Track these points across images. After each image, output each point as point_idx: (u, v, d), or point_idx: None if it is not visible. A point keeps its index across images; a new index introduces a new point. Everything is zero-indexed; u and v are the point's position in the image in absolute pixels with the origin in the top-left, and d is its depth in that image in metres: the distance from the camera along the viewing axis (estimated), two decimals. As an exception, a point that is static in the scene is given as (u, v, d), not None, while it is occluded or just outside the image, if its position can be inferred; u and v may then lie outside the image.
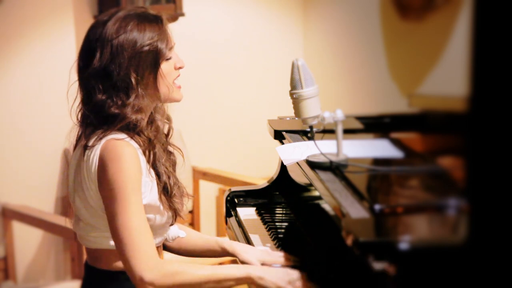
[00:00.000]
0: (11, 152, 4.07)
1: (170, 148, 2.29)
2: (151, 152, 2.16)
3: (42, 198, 4.15)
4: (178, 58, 2.21)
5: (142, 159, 2.13)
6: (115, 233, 2.05)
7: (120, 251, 2.05)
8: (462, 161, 1.70)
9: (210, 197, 4.74)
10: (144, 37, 2.12)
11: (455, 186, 1.76)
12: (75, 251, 3.83)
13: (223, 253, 2.35)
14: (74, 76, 2.19)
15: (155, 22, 2.16)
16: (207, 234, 2.50)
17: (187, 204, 2.34)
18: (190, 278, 2.05)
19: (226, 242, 2.36)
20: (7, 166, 4.06)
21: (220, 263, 4.52)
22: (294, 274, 2.13)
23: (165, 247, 2.39)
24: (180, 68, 2.21)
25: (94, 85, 2.12)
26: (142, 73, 2.12)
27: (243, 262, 2.28)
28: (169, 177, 2.20)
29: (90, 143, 2.11)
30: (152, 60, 2.13)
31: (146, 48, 2.12)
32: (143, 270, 2.02)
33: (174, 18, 4.39)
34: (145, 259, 2.03)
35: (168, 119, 2.29)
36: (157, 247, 2.23)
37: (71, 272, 4.04)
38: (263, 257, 2.28)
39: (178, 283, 2.04)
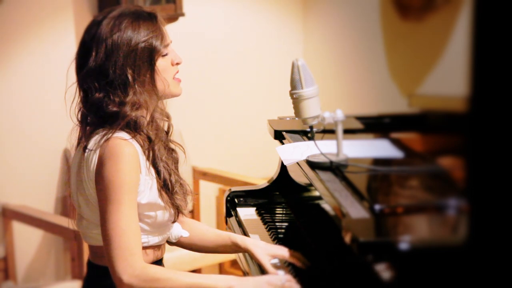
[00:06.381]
0: (11, 152, 4.06)
1: (172, 146, 2.30)
2: (151, 151, 2.16)
3: (42, 198, 4.15)
4: (175, 54, 2.21)
5: (142, 158, 2.13)
6: (104, 231, 2.08)
7: (106, 248, 2.07)
8: (462, 161, 1.70)
9: (210, 197, 4.73)
10: (138, 35, 2.13)
11: (455, 186, 1.76)
12: (75, 251, 3.83)
13: (235, 248, 2.34)
14: (72, 78, 2.20)
15: (150, 19, 2.17)
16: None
17: (190, 202, 2.34)
18: (170, 285, 2.06)
19: (238, 237, 2.35)
20: (7, 166, 4.06)
21: (220, 264, 4.52)
22: (278, 281, 2.12)
23: (178, 244, 2.38)
24: (177, 64, 2.21)
25: (90, 84, 2.13)
26: (138, 70, 2.13)
27: (254, 257, 2.28)
28: (170, 174, 2.20)
29: (91, 144, 2.11)
30: (147, 57, 2.14)
31: (141, 45, 2.13)
32: (124, 272, 2.04)
33: (174, 18, 4.38)
34: (129, 261, 2.04)
35: (168, 116, 2.29)
36: (159, 245, 2.24)
37: (71, 272, 4.04)
38: (273, 251, 2.28)
39: None
